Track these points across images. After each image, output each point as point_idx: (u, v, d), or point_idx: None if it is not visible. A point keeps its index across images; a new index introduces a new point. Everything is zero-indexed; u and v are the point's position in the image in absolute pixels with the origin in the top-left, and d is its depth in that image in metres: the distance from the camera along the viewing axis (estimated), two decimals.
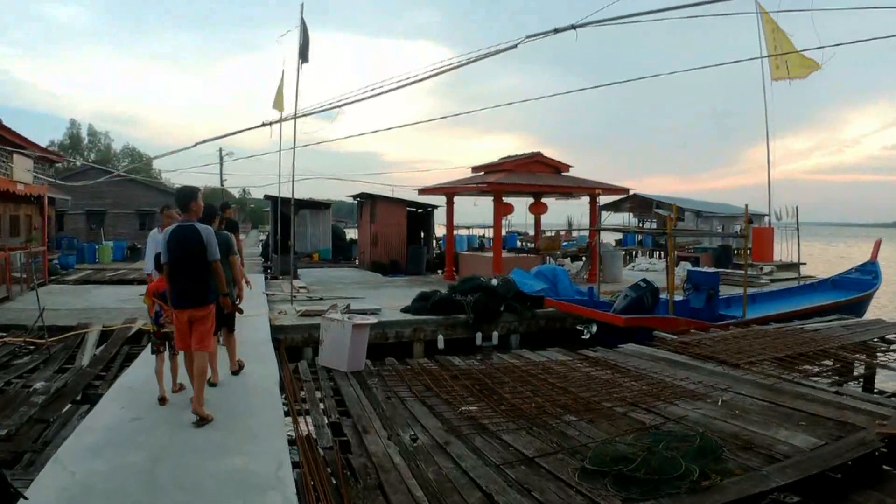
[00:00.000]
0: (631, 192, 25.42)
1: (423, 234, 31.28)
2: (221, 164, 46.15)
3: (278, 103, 21.13)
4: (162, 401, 7.54)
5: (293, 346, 13.84)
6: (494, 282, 16.61)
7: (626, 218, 54.25)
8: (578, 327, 15.19)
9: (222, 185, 49.36)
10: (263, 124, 10.07)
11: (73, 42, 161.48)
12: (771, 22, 19.51)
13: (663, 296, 15.78)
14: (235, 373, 8.95)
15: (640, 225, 56.85)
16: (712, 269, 19.66)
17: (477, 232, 52.55)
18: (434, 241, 32.33)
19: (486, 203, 26.25)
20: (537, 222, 27.42)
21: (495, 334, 15.61)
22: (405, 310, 15.86)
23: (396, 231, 28.97)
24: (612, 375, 10.05)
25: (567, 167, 23.99)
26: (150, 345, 8.68)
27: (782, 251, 31.09)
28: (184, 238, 7.14)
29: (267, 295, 18.23)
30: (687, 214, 49.10)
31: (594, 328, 14.80)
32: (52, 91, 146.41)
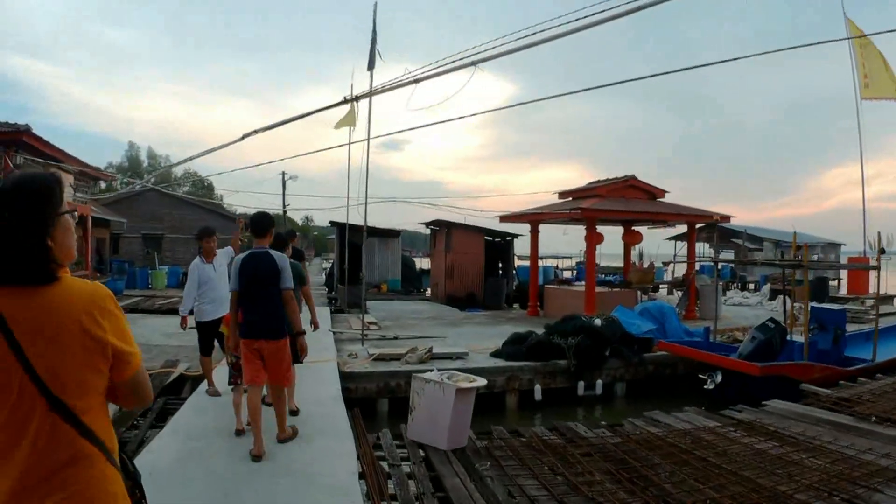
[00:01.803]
0: (727, 220, 22.71)
1: (501, 265, 28.97)
2: (284, 188, 44.35)
3: (348, 119, 19.25)
4: (239, 433, 7.29)
5: (366, 396, 11.75)
6: (598, 322, 14.23)
7: (703, 248, 51.50)
8: (701, 376, 12.86)
9: (285, 210, 47.47)
10: (346, 100, 8.02)
11: (132, 64, 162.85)
12: (860, 37, 17.53)
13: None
14: (284, 440, 7.09)
15: (717, 254, 54.10)
16: (837, 306, 17.19)
17: (550, 262, 49.96)
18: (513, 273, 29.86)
19: (574, 232, 23.99)
20: (627, 252, 24.90)
21: (599, 383, 13.40)
22: (496, 354, 13.59)
23: (474, 261, 26.71)
24: (783, 449, 7.82)
25: (663, 193, 21.54)
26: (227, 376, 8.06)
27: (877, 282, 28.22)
28: (258, 265, 6.80)
29: (333, 333, 16.08)
30: (766, 244, 46.29)
31: (719, 377, 12.53)
32: (111, 113, 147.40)
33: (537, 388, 12.76)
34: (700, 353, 13.22)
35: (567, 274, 46.12)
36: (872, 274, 26.44)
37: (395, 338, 15.93)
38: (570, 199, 21.97)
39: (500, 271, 28.74)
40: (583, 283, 35.58)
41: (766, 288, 29.28)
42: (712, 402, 12.37)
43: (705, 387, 12.62)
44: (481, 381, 7.83)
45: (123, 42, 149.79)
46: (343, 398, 9.35)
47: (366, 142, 14.17)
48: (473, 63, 6.53)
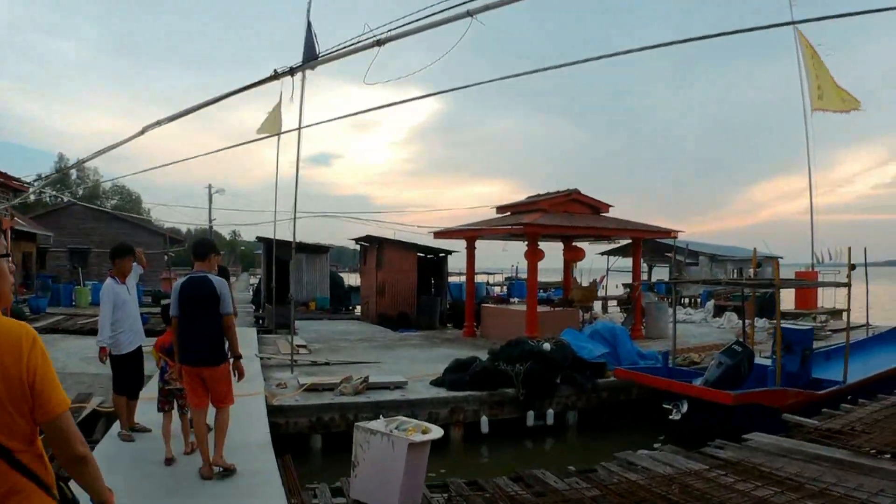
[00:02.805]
0: (677, 236, 22.03)
1: (433, 283, 27.91)
2: (211, 202, 42.55)
3: (270, 125, 18.02)
4: (168, 461, 7.06)
5: (297, 432, 10.61)
6: (547, 346, 13.29)
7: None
8: (665, 405, 11.98)
9: (211, 225, 45.63)
10: (276, 74, 6.73)
11: (65, 77, 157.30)
12: (810, 48, 17.29)
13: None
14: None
15: (650, 270, 53.84)
16: (807, 325, 16.64)
17: (480, 278, 48.98)
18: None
19: (512, 247, 23.20)
20: (567, 268, 24.06)
21: (550, 412, 12.47)
22: (437, 382, 12.54)
23: (406, 279, 25.59)
24: (785, 496, 6.87)
25: (607, 207, 20.83)
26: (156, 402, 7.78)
27: (824, 297, 28.75)
28: (198, 289, 6.73)
29: (260, 358, 14.80)
30: (701, 259, 46.30)
31: (685, 406, 11.64)
32: (43, 125, 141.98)
33: (484, 419, 11.80)
34: (664, 381, 12.42)
35: (497, 290, 45.28)
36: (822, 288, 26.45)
37: (327, 363, 14.78)
38: (509, 213, 21.10)
39: (433, 289, 27.70)
40: (516, 300, 35.02)
41: (710, 304, 28.91)
42: (678, 433, 11.76)
43: (671, 417, 11.76)
44: (436, 432, 6.70)
45: (53, 54, 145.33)
46: (273, 439, 8.17)
47: (297, 131, 12.83)
48: (470, 14, 5.12)
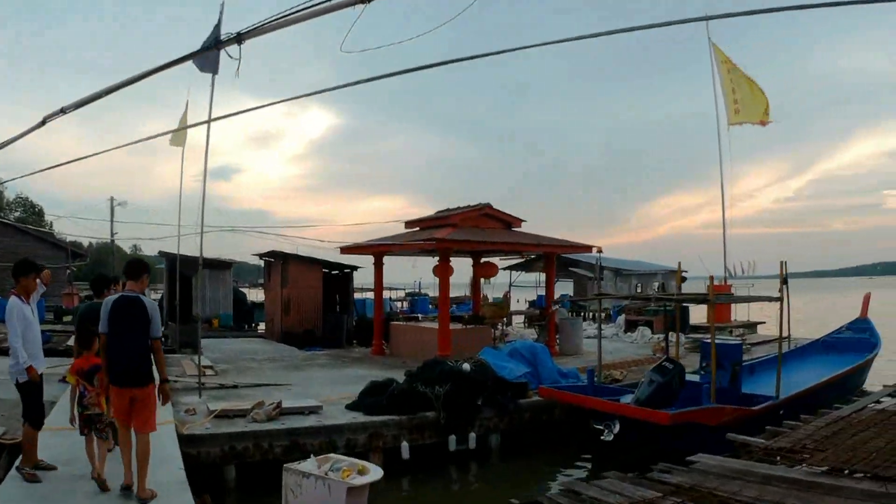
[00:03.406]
0: (596, 250, 21.97)
1: (339, 299, 27.29)
2: (113, 214, 40.74)
3: (179, 138, 17.39)
4: (102, 484, 6.84)
5: (210, 462, 9.99)
6: (466, 367, 12.95)
7: (538, 278, 51.26)
8: (596, 426, 11.82)
9: (113, 238, 43.66)
10: (209, 46, 6.04)
11: None
12: (728, 62, 17.45)
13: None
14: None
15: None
16: (735, 340, 16.76)
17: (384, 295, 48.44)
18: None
19: (421, 263, 22.86)
20: (476, 284, 23.78)
21: (472, 436, 12.11)
22: (353, 406, 12.06)
23: (312, 296, 24.93)
24: None
25: (519, 222, 20.63)
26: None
27: (737, 310, 29.39)
28: (129, 309, 6.75)
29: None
30: (606, 273, 46.80)
31: (617, 427, 11.45)
32: None
33: (405, 445, 11.39)
34: (593, 401, 12.23)
35: (398, 305, 44.87)
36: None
37: (235, 386, 14.11)
38: (419, 228, 20.72)
39: (339, 306, 27.08)
40: (420, 315, 34.57)
41: (621, 319, 29.05)
42: (605, 454, 11.77)
43: (603, 437, 11.54)
44: (375, 473, 6.26)
45: None
46: (187, 474, 7.57)
47: (206, 125, 12.15)
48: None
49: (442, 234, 17.76)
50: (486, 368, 13.19)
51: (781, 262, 13.22)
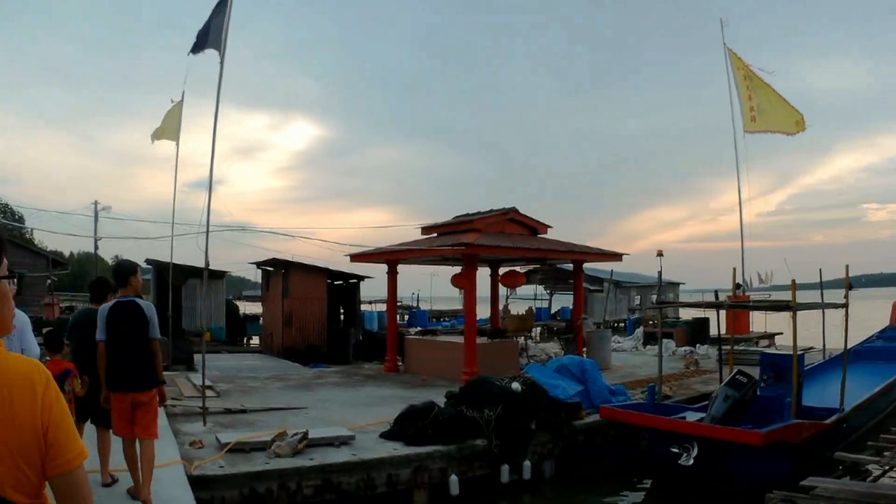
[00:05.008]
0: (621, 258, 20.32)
1: (343, 312, 25.41)
2: (97, 220, 38.58)
3: (169, 131, 15.81)
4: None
5: None
6: (516, 386, 11.15)
7: (536, 289, 49.65)
8: (673, 450, 10.15)
9: (97, 246, 41.43)
10: None
11: None
12: (744, 68, 16.21)
13: None
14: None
15: (551, 297, 52.49)
16: (810, 350, 15.46)
17: (380, 307, 46.36)
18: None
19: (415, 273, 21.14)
20: (494, 294, 21.98)
21: (527, 464, 10.42)
22: (388, 435, 10.21)
23: (316, 308, 22.99)
24: None
25: (545, 227, 18.88)
26: None
27: (753, 321, 27.50)
28: (126, 314, 6.73)
29: (163, 407, 12.08)
30: (606, 285, 45.55)
31: (695, 450, 9.94)
32: None
33: (453, 479, 9.59)
34: (669, 422, 10.65)
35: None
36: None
37: (243, 410, 12.23)
38: (436, 234, 18.88)
39: (342, 319, 25.21)
40: (417, 329, 32.84)
41: (640, 332, 27.43)
42: (667, 480, 10.79)
43: (680, 462, 10.02)
44: None
45: None
46: None
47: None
48: None
49: (469, 239, 15.92)
50: (538, 388, 11.43)
51: (846, 267, 12.61)
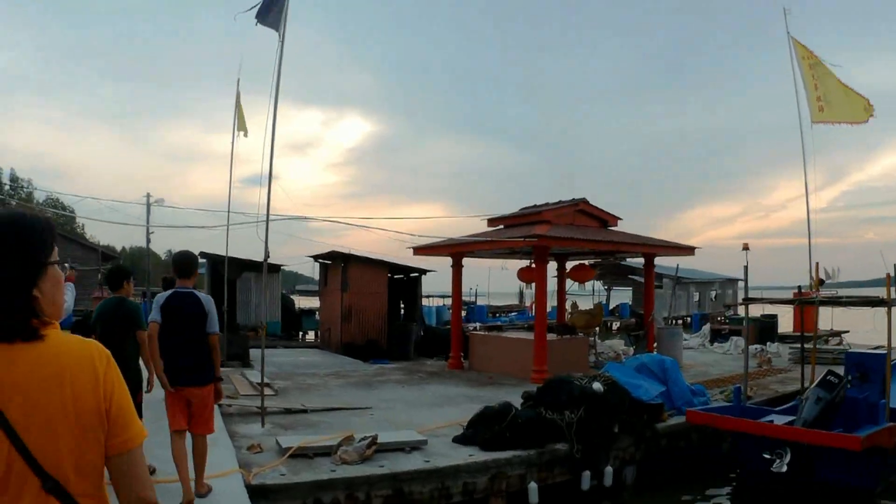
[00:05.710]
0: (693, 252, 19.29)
1: (403, 307, 24.67)
2: (149, 213, 38.30)
3: (241, 124, 16.25)
4: None
5: None
6: (598, 386, 10.26)
7: (593, 284, 48.68)
8: (766, 456, 9.50)
9: (149, 239, 41.07)
10: None
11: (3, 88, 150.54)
12: (810, 56, 15.27)
13: None
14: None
15: (609, 293, 51.47)
16: (879, 349, 14.40)
17: (437, 302, 45.65)
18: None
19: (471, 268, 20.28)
20: (561, 289, 21.03)
21: (609, 470, 9.60)
22: (463, 439, 9.40)
23: (376, 303, 22.24)
24: None
25: (615, 220, 17.91)
26: None
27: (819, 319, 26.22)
28: (185, 305, 6.53)
29: (218, 406, 11.42)
30: (665, 281, 44.29)
31: (788, 456, 9.36)
32: None
33: (532, 486, 8.81)
34: (765, 426, 9.97)
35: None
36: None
37: (304, 410, 11.53)
38: (502, 226, 18.02)
39: (402, 314, 24.47)
40: (477, 325, 32.08)
41: (707, 328, 26.30)
42: (749, 487, 10.42)
43: (773, 468, 9.39)
44: None
45: None
46: None
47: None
48: None
49: (540, 231, 15.03)
50: (620, 388, 10.54)
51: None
